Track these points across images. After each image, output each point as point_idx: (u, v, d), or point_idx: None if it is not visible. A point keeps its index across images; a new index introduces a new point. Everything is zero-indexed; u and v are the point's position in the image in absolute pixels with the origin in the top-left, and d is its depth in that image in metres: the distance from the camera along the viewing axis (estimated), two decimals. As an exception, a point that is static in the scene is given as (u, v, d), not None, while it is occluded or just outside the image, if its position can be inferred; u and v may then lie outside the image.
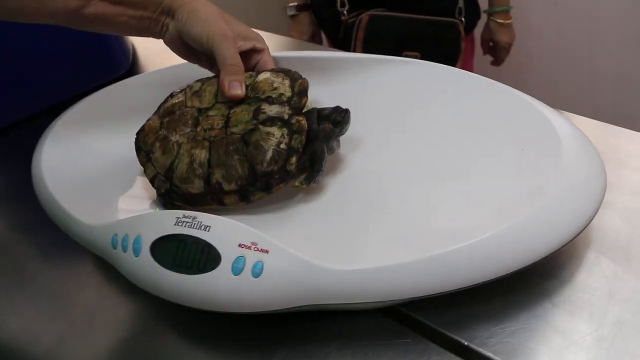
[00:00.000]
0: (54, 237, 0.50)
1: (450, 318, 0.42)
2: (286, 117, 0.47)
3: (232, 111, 0.48)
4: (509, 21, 1.30)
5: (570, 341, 0.40)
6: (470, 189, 0.45)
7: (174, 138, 0.48)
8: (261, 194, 0.46)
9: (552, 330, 0.40)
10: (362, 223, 0.45)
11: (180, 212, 0.42)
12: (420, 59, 0.60)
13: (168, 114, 0.50)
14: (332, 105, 0.50)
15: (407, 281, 0.38)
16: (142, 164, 0.50)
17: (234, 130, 0.47)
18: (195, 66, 0.56)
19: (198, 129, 0.48)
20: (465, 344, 0.40)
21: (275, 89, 0.48)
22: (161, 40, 0.54)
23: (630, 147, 0.58)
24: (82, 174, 0.53)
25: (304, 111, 0.48)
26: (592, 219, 0.43)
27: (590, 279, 0.44)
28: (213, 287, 0.39)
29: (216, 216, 0.41)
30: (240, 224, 0.41)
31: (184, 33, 0.52)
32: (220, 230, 0.40)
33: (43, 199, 0.50)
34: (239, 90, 0.48)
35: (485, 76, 0.56)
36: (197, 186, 0.47)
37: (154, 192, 0.50)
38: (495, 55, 1.36)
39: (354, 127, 0.50)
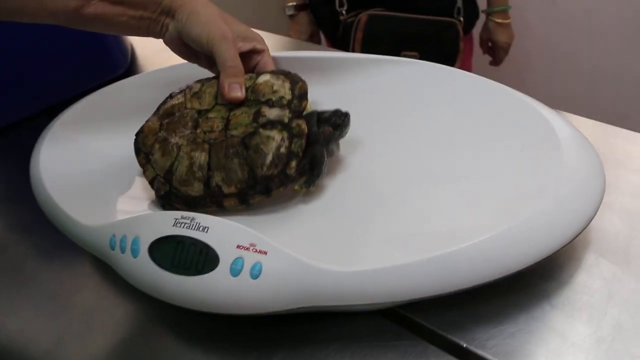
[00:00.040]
0: (53, 237, 0.50)
1: (450, 320, 0.42)
2: (286, 120, 0.46)
3: (232, 113, 0.48)
4: (507, 21, 1.30)
5: (569, 343, 0.40)
6: (469, 190, 0.45)
7: (174, 140, 0.48)
8: (261, 197, 0.46)
9: (551, 332, 0.40)
10: (361, 224, 0.44)
11: (178, 213, 0.42)
12: (419, 58, 0.60)
13: (167, 115, 0.50)
14: (331, 106, 0.50)
15: (406, 283, 0.38)
16: (141, 165, 0.50)
17: (234, 133, 0.47)
18: (195, 66, 0.56)
19: (198, 131, 0.48)
20: (464, 345, 0.40)
21: (276, 91, 0.48)
22: (160, 40, 0.54)
23: (629, 148, 0.58)
24: (80, 175, 0.53)
25: (303, 114, 0.48)
26: (591, 220, 0.43)
27: (590, 281, 0.44)
28: (211, 289, 0.39)
29: (214, 217, 0.41)
30: (238, 225, 0.41)
31: (184, 34, 0.51)
32: (219, 231, 0.40)
33: (41, 200, 0.50)
34: (238, 93, 0.48)
35: (484, 76, 0.56)
36: (196, 189, 0.47)
37: (152, 193, 0.49)
38: (494, 55, 1.36)
39: (353, 127, 0.50)
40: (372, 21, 1.18)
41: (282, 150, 0.46)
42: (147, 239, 0.41)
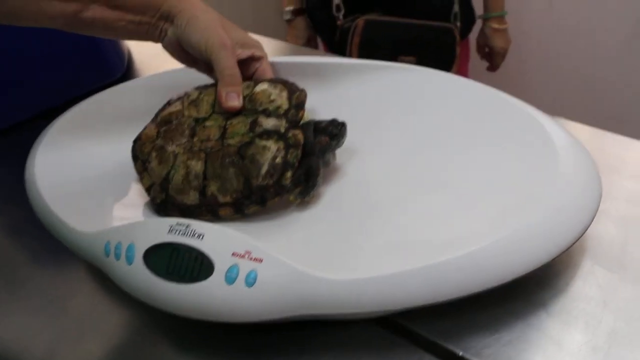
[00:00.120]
0: (48, 241, 0.49)
1: (445, 328, 0.41)
2: (283, 130, 0.46)
3: (229, 122, 0.48)
4: (504, 26, 1.30)
5: (565, 351, 0.39)
6: (465, 197, 0.45)
7: (171, 148, 0.48)
8: (256, 207, 0.46)
9: (547, 340, 0.40)
10: (357, 232, 0.44)
11: (173, 220, 0.42)
12: (416, 63, 0.60)
13: (165, 123, 0.50)
14: (327, 111, 0.50)
15: (401, 291, 0.38)
16: (138, 172, 0.50)
17: (230, 142, 0.46)
18: (192, 71, 0.56)
19: (194, 139, 0.48)
20: (460, 354, 0.40)
21: (273, 101, 0.48)
22: (157, 44, 0.54)
23: (624, 154, 0.58)
24: (76, 181, 0.52)
25: (300, 123, 0.48)
26: (587, 228, 0.43)
27: (585, 288, 0.44)
28: (206, 297, 0.39)
29: (210, 224, 0.41)
30: (234, 233, 0.40)
31: (183, 40, 0.51)
32: (214, 238, 0.40)
33: (36, 205, 0.50)
34: (236, 102, 0.48)
35: (480, 81, 0.56)
36: (192, 198, 0.46)
37: (147, 199, 0.49)
38: (491, 61, 1.36)
39: (348, 133, 0.50)
40: (369, 26, 1.19)
41: (278, 160, 0.46)
42: (142, 246, 0.41)
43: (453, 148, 0.51)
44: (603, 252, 0.47)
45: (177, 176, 0.47)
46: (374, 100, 0.58)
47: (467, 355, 0.40)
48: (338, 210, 0.47)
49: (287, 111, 0.48)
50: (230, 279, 0.39)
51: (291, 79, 0.52)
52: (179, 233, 0.41)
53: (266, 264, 0.39)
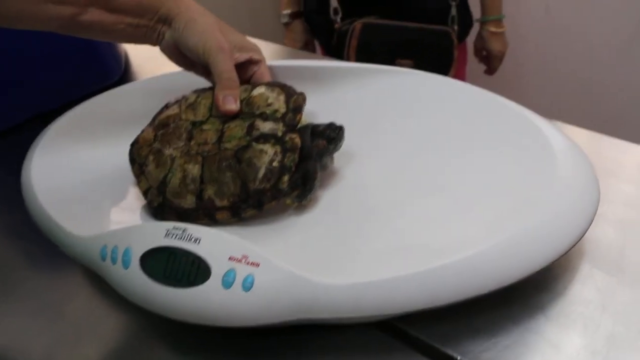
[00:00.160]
0: (45, 245, 0.49)
1: (444, 332, 0.41)
2: (280, 134, 0.46)
3: (226, 126, 0.48)
4: (501, 30, 1.30)
5: (564, 355, 0.39)
6: (463, 201, 0.45)
7: (168, 151, 0.48)
8: (253, 211, 0.46)
9: (546, 344, 0.40)
10: (354, 236, 0.44)
11: (170, 224, 0.42)
12: (414, 66, 0.60)
13: (162, 126, 0.50)
14: (324, 115, 0.50)
15: (399, 295, 0.38)
16: (135, 176, 0.50)
17: (227, 145, 0.46)
18: (190, 74, 0.56)
19: (192, 143, 0.48)
20: (459, 358, 0.40)
21: (270, 104, 0.48)
22: (154, 47, 0.54)
23: (621, 158, 0.58)
24: (72, 184, 0.52)
25: (298, 127, 0.48)
26: (585, 232, 0.42)
27: (584, 292, 0.44)
28: (203, 301, 0.39)
29: (207, 228, 0.41)
30: (231, 237, 0.40)
31: (181, 43, 0.51)
32: (211, 242, 0.40)
33: (32, 209, 0.50)
34: (233, 106, 0.48)
35: (477, 84, 0.56)
36: (189, 201, 0.46)
37: (145, 203, 0.49)
38: (489, 64, 1.36)
39: (346, 137, 0.49)
40: (367, 29, 1.19)
41: (275, 164, 0.45)
42: (139, 250, 0.41)
43: (451, 152, 0.51)
44: (601, 256, 0.46)
45: (174, 180, 0.47)
46: (371, 104, 0.58)
47: (465, 359, 0.39)
48: (335, 214, 0.47)
49: (284, 115, 0.47)
50: (227, 283, 0.38)
51: (289, 83, 0.52)
52: (175, 237, 0.41)
53: (263, 268, 0.38)
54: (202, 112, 0.49)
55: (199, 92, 0.52)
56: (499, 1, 1.28)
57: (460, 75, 1.30)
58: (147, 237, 0.41)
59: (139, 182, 0.49)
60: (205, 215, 0.46)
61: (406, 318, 0.41)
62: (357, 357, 0.41)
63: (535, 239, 0.40)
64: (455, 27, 1.22)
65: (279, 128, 0.47)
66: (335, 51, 1.25)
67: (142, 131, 0.51)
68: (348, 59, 1.20)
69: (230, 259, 0.39)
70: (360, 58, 1.19)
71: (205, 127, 0.48)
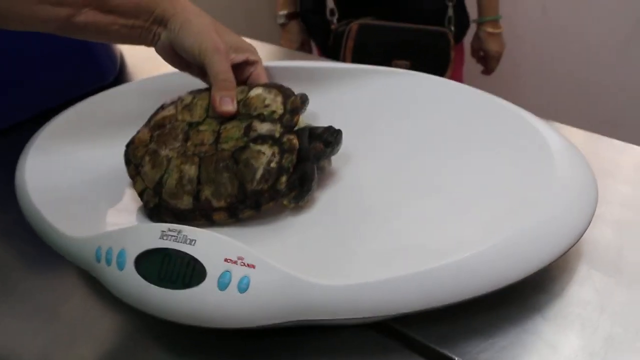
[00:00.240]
0: (40, 246, 0.49)
1: (441, 333, 0.41)
2: (277, 135, 0.46)
3: (223, 127, 0.47)
4: (498, 30, 1.30)
5: (561, 356, 0.39)
6: (461, 202, 0.45)
7: (164, 152, 0.48)
8: (250, 212, 0.46)
9: (544, 345, 0.40)
10: (350, 238, 0.44)
11: (165, 226, 0.41)
12: (410, 67, 0.60)
13: (158, 127, 0.50)
14: (321, 115, 0.49)
15: (396, 297, 0.37)
16: (131, 176, 0.50)
17: (225, 146, 0.46)
18: (186, 75, 0.56)
19: (188, 143, 0.47)
20: (456, 359, 0.39)
21: (267, 105, 0.48)
22: (150, 48, 0.54)
23: (619, 158, 0.58)
24: (67, 185, 0.52)
25: (296, 129, 0.47)
26: (584, 233, 0.42)
27: (582, 293, 0.44)
28: (198, 303, 0.39)
29: (202, 230, 0.41)
30: (226, 238, 0.40)
31: (176, 44, 0.51)
32: (206, 244, 0.40)
33: (26, 210, 0.49)
34: (230, 107, 0.48)
35: (475, 85, 0.56)
36: (185, 202, 0.46)
37: (140, 204, 0.49)
38: (486, 65, 1.36)
39: (343, 138, 0.49)
40: (363, 30, 1.19)
41: (273, 165, 0.45)
42: (134, 251, 0.41)
43: (447, 153, 0.51)
44: (599, 257, 0.46)
45: (171, 180, 0.46)
46: (368, 104, 0.58)
47: (462, 361, 0.39)
48: (332, 215, 0.47)
49: (282, 116, 0.47)
50: (222, 284, 0.38)
51: (285, 84, 0.52)
52: (170, 239, 0.40)
53: (259, 269, 0.38)
54: (198, 113, 0.49)
55: (195, 93, 0.52)
56: (495, 2, 1.29)
57: (457, 76, 1.30)
58: (142, 239, 0.41)
59: (134, 183, 0.49)
60: (202, 216, 0.46)
61: (403, 319, 0.41)
62: (353, 358, 0.41)
63: (532, 240, 0.40)
64: (452, 28, 1.22)
65: (277, 129, 0.46)
66: (331, 52, 1.24)
67: (138, 132, 0.51)
68: (344, 60, 1.20)
69: (225, 260, 0.39)
70: (357, 59, 1.19)
71: (201, 128, 0.48)
